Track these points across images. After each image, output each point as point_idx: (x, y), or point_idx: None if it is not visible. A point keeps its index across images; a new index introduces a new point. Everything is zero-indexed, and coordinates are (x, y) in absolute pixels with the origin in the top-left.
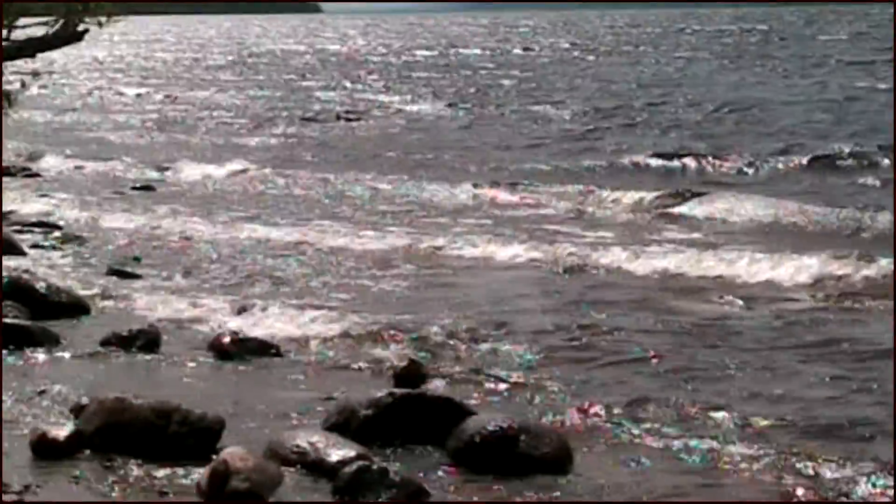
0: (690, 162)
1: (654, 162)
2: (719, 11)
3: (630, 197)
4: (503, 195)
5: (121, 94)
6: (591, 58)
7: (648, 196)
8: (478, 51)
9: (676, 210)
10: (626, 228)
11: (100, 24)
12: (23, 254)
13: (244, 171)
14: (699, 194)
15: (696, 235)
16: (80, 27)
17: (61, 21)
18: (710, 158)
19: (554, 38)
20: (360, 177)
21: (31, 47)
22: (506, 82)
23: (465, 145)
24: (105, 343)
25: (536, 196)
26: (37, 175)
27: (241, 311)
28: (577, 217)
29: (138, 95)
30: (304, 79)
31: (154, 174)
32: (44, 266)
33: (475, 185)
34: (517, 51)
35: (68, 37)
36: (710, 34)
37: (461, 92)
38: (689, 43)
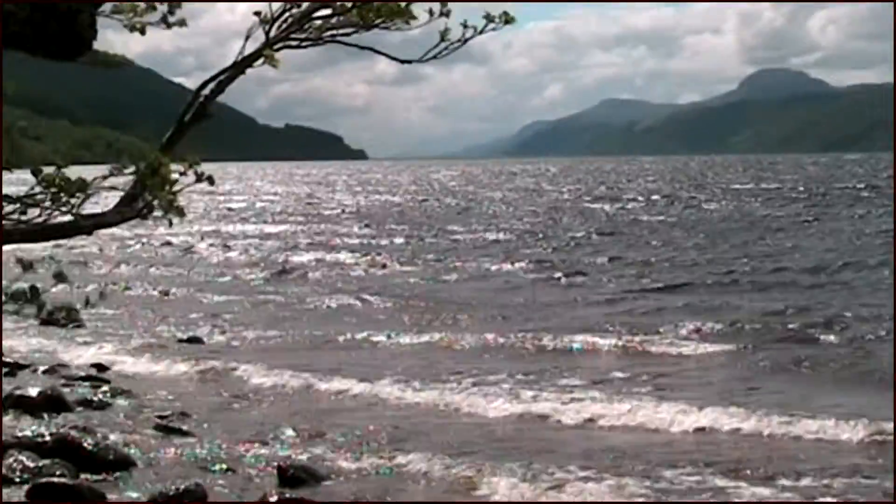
0: None
1: None
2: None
3: None
4: None
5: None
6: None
7: None
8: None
9: None
10: None
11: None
12: (70, 409)
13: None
14: None
15: None
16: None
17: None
18: None
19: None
20: None
21: (89, 225)
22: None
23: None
24: (151, 503)
25: None
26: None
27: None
28: None
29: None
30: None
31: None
32: (92, 422)
33: None
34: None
35: (132, 214)
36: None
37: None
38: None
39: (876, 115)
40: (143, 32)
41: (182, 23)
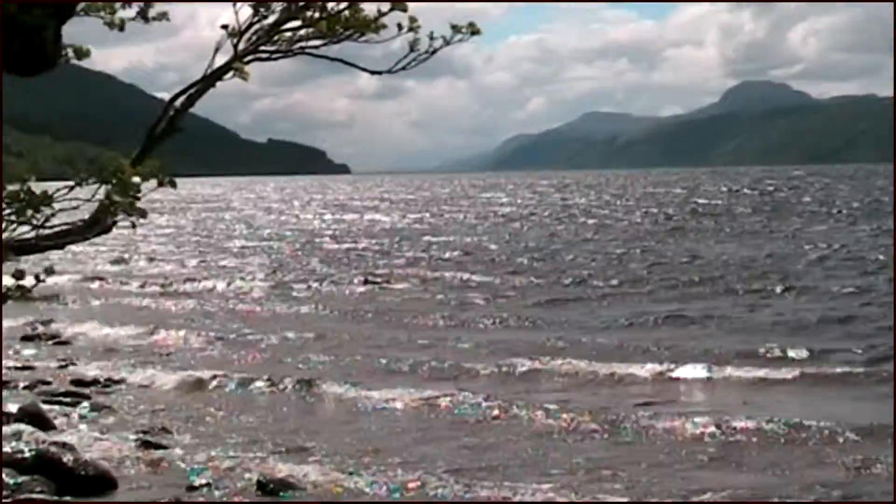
0: None
1: None
2: None
3: None
4: None
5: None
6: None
7: None
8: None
9: None
10: None
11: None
12: (52, 427)
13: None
14: None
15: None
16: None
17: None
18: None
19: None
20: None
21: (58, 239)
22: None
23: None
24: None
25: None
26: (66, 342)
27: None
28: None
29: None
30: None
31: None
32: (73, 438)
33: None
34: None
35: (100, 229)
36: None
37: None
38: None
39: (858, 126)
40: (122, 28)
41: (163, 16)
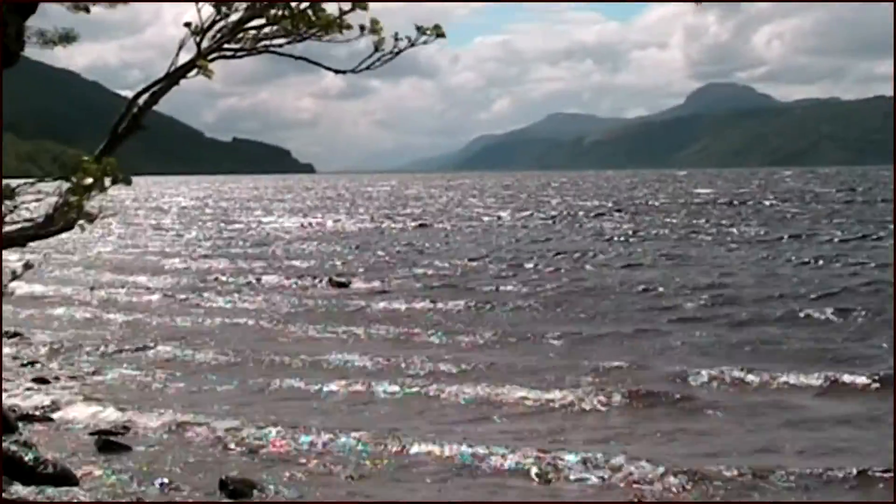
0: None
1: None
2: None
3: None
4: None
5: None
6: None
7: None
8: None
9: None
10: None
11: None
12: (13, 430)
13: None
14: None
15: None
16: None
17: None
18: None
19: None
20: None
21: (22, 238)
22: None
23: None
24: None
25: None
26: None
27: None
28: None
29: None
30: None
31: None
32: (33, 436)
33: None
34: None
35: (62, 227)
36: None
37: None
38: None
39: (821, 130)
40: (87, 11)
41: None
